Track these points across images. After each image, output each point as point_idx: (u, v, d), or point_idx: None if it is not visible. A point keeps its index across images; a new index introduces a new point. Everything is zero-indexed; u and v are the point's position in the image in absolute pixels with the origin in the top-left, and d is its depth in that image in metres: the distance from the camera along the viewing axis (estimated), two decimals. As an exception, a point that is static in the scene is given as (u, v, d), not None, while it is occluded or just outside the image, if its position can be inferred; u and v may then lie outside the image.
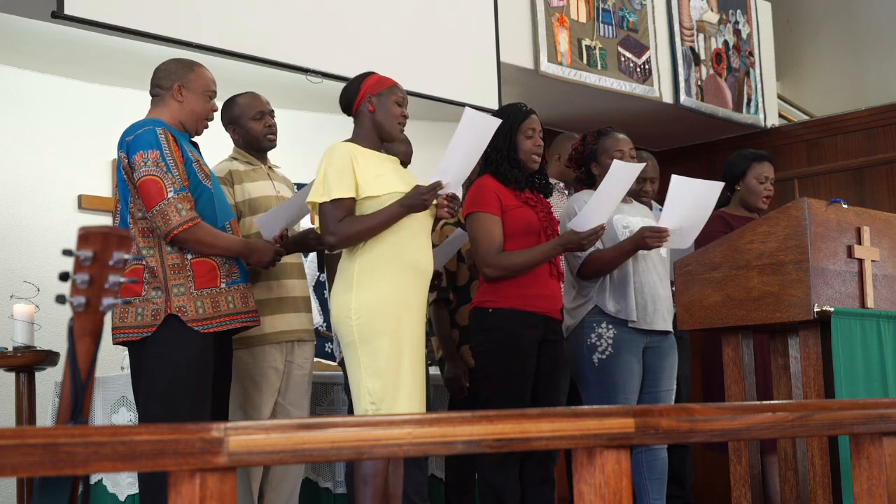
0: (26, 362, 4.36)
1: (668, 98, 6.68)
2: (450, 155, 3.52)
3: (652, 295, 3.98)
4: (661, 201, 5.38)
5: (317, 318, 5.11)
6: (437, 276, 3.96)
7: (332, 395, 4.61)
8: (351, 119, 3.68)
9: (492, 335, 3.84)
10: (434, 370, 4.45)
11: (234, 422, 1.49)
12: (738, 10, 7.31)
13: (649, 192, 4.82)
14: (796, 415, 2.07)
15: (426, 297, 3.55)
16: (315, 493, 4.51)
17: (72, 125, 5.42)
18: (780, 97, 7.87)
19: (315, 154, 4.05)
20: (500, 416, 1.69)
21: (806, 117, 7.86)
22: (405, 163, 4.19)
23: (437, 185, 3.47)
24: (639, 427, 1.81)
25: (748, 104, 7.25)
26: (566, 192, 4.78)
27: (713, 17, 7.09)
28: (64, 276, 1.70)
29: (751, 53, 7.34)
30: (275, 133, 4.07)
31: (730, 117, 7.10)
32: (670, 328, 4.03)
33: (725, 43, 7.16)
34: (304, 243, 3.88)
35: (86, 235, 1.69)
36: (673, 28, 6.78)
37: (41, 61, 5.25)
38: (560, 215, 4.12)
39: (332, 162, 3.46)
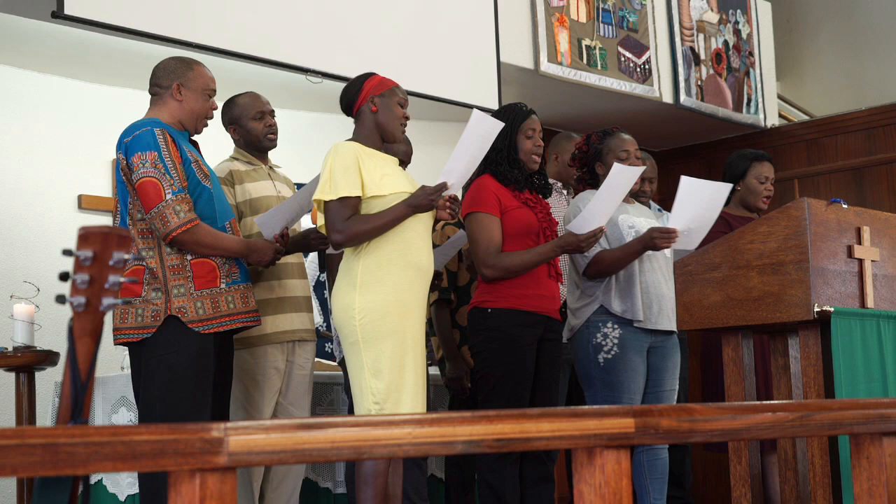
0: (26, 362, 4.36)
1: (668, 98, 6.68)
2: (456, 156, 3.52)
3: (657, 295, 3.99)
4: (659, 201, 5.40)
5: (317, 318, 5.11)
6: (437, 276, 3.96)
7: (332, 395, 4.61)
8: (350, 119, 3.68)
9: (491, 335, 3.84)
10: (433, 370, 4.45)
11: (234, 422, 1.49)
12: (738, 10, 7.31)
13: (648, 191, 4.82)
14: (796, 415, 2.07)
15: (427, 297, 3.55)
16: (315, 493, 4.51)
17: (72, 125, 5.42)
18: (780, 97, 7.87)
19: (315, 154, 4.05)
20: (500, 416, 1.69)
21: (806, 117, 7.86)
22: (405, 163, 4.19)
23: (443, 186, 3.48)
24: (639, 427, 1.81)
25: (748, 104, 7.25)
26: (564, 191, 4.78)
27: (713, 17, 7.09)
28: (64, 276, 1.70)
29: (751, 53, 7.34)
30: (275, 133, 4.07)
31: (730, 117, 7.10)
32: (675, 328, 4.04)
33: (725, 43, 7.16)
34: (304, 243, 3.88)
35: (86, 235, 1.69)
36: (673, 28, 6.78)
37: (41, 61, 5.25)
38: (564, 215, 4.12)
39: (338, 160, 3.45)
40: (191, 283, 3.41)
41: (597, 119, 6.48)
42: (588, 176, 4.17)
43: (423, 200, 3.45)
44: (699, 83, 6.89)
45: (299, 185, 4.10)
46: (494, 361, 3.83)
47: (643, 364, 3.99)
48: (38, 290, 4.65)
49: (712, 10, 7.10)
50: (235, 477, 1.49)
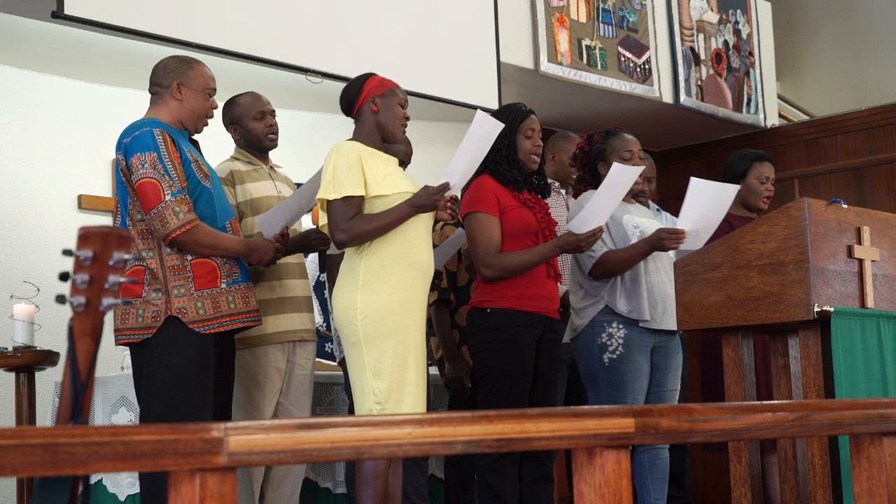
0: (26, 362, 4.35)
1: (668, 98, 6.68)
2: (459, 156, 3.53)
3: (662, 295, 4.00)
4: (658, 201, 5.40)
5: (317, 318, 5.11)
6: (437, 275, 3.96)
7: (332, 395, 4.61)
8: (350, 120, 3.68)
9: (490, 335, 3.84)
10: (433, 370, 4.45)
11: (234, 422, 1.49)
12: (738, 10, 7.30)
13: (646, 191, 4.82)
14: (796, 415, 2.07)
15: (427, 297, 3.56)
16: (315, 493, 4.51)
17: (72, 125, 5.42)
18: (780, 97, 7.87)
19: (315, 154, 4.05)
20: (500, 416, 1.69)
21: (806, 117, 7.86)
22: (405, 163, 4.20)
23: (446, 186, 3.48)
24: (639, 427, 1.81)
25: (748, 104, 7.25)
26: (562, 191, 4.78)
27: (713, 17, 7.09)
28: (64, 276, 1.70)
29: (751, 53, 7.34)
30: (276, 133, 4.07)
31: (730, 117, 7.10)
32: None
33: (725, 43, 7.16)
34: (305, 244, 3.88)
35: (86, 235, 1.68)
36: (673, 28, 6.78)
37: (41, 61, 5.25)
38: (568, 215, 4.13)
39: (340, 160, 3.45)
40: (191, 284, 3.41)
41: (597, 119, 6.48)
42: (590, 176, 4.17)
43: (426, 200, 3.45)
44: (699, 83, 6.89)
45: (300, 185, 4.10)
46: (494, 361, 3.84)
47: (647, 364, 4.00)
48: (38, 290, 4.65)
49: (712, 10, 7.10)
50: (235, 477, 1.48)
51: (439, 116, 6.13)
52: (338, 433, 1.54)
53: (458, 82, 5.64)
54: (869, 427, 2.17)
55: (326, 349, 5.27)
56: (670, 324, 4.00)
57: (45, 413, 4.73)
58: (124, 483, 3.99)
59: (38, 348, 4.40)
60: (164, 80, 3.57)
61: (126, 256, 1.72)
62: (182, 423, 1.45)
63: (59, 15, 4.18)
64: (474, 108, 3.70)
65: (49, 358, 4.38)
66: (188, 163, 3.47)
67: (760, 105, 7.34)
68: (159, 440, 1.41)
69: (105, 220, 5.32)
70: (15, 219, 5.23)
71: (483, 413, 1.68)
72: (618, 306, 3.97)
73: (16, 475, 1.34)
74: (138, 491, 3.79)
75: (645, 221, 4.12)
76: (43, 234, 5.26)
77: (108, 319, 1.93)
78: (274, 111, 4.10)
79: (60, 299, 1.71)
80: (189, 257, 3.43)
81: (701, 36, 6.98)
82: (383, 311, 3.38)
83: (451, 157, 3.57)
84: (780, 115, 7.71)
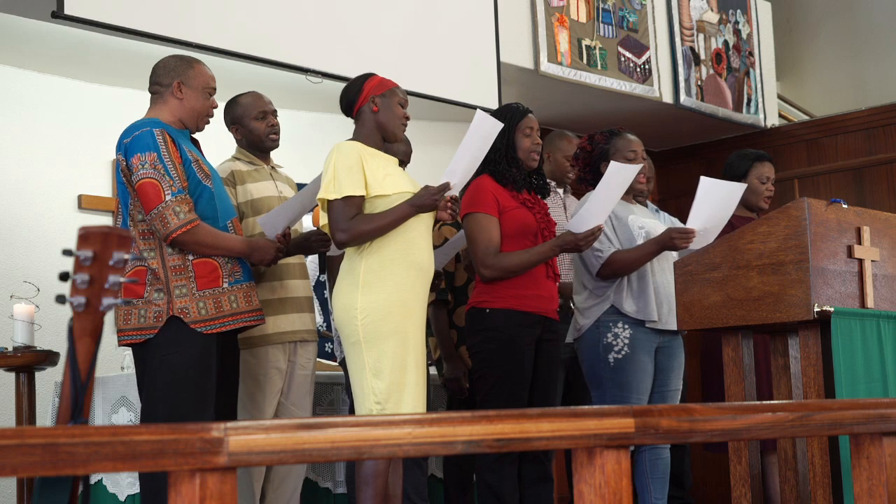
0: (26, 362, 4.35)
1: (668, 98, 6.68)
2: (459, 156, 3.53)
3: (667, 295, 4.01)
4: (657, 201, 5.40)
5: (317, 318, 5.11)
6: (437, 276, 3.96)
7: (332, 395, 4.61)
8: (350, 120, 3.68)
9: (489, 335, 3.84)
10: (432, 371, 4.45)
11: (234, 422, 1.49)
12: (738, 10, 7.30)
13: (644, 191, 4.82)
14: (796, 415, 2.07)
15: (427, 297, 3.56)
16: (315, 493, 4.51)
17: (72, 125, 5.42)
18: (780, 97, 7.87)
19: (315, 154, 4.05)
20: (500, 416, 1.69)
21: (806, 117, 7.86)
22: (405, 163, 4.20)
23: (446, 186, 3.48)
24: (639, 427, 1.81)
25: (748, 104, 7.25)
26: (559, 190, 4.77)
27: (713, 17, 7.09)
28: (64, 276, 1.69)
29: (751, 53, 7.34)
30: (277, 133, 4.07)
31: (730, 117, 7.10)
32: None
33: (725, 43, 7.16)
34: (306, 245, 3.88)
35: (86, 235, 1.68)
36: (673, 28, 6.78)
37: (41, 61, 5.25)
38: (571, 214, 4.13)
39: (341, 160, 3.45)
40: (193, 284, 3.41)
41: (597, 119, 6.48)
42: (591, 176, 4.18)
43: (426, 200, 3.45)
44: (699, 83, 6.89)
45: (300, 186, 4.10)
46: (493, 361, 3.84)
47: (651, 364, 4.01)
48: (38, 290, 4.65)
49: (712, 10, 7.10)
50: (235, 477, 1.48)
51: (439, 116, 6.13)
52: (338, 433, 1.54)
53: (457, 82, 5.64)
54: (869, 427, 2.17)
55: (327, 349, 5.27)
56: (675, 324, 4.01)
57: (45, 413, 4.73)
58: (124, 483, 3.99)
59: (38, 348, 4.40)
60: (165, 79, 3.57)
61: (126, 256, 1.72)
62: (182, 423, 1.45)
63: (59, 15, 4.18)
64: (474, 108, 3.70)
65: (49, 358, 4.38)
66: (188, 162, 3.46)
67: (760, 105, 7.34)
68: (159, 440, 1.41)
69: (105, 220, 5.32)
70: (15, 219, 5.23)
71: (483, 413, 1.68)
72: (624, 306, 3.97)
73: (16, 475, 1.34)
74: (138, 491, 3.79)
75: (650, 222, 4.13)
76: (43, 234, 5.26)
77: (109, 319, 1.93)
78: (276, 111, 4.09)
79: (60, 299, 1.71)
80: (190, 257, 3.43)
81: (701, 36, 6.98)
82: (383, 311, 3.38)
83: (451, 157, 3.57)
84: (780, 115, 7.72)
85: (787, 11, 8.18)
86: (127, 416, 4.05)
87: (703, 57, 6.96)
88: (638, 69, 6.47)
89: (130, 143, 3.41)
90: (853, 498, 2.28)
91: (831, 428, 2.21)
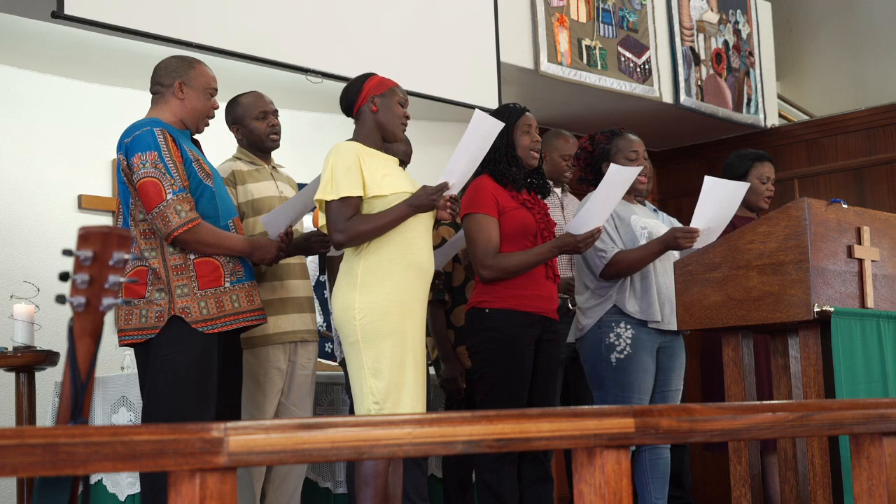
0: (26, 362, 4.35)
1: (668, 98, 6.68)
2: (457, 156, 3.52)
3: (668, 295, 4.02)
4: (656, 201, 5.39)
5: (317, 318, 5.11)
6: (437, 276, 3.96)
7: (332, 395, 4.61)
8: (350, 119, 3.68)
9: (489, 335, 3.84)
10: (431, 371, 4.45)
11: (234, 422, 1.49)
12: (738, 10, 7.30)
13: (645, 191, 4.82)
14: (796, 415, 2.07)
15: (426, 297, 3.55)
16: (315, 493, 4.51)
17: (72, 125, 5.42)
18: (780, 97, 7.87)
19: (315, 154, 4.05)
20: (500, 416, 1.69)
21: (806, 117, 7.86)
22: (405, 163, 4.20)
23: (445, 186, 3.48)
24: (639, 427, 1.81)
25: (748, 104, 7.25)
26: (557, 190, 4.77)
27: (713, 17, 7.09)
28: (64, 276, 1.69)
29: (751, 53, 7.34)
30: (278, 133, 4.07)
31: (730, 117, 7.10)
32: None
33: (725, 43, 7.15)
34: (306, 246, 3.88)
35: (86, 235, 1.68)
36: (673, 28, 6.78)
37: (41, 61, 5.25)
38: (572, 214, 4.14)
39: (339, 160, 3.45)
40: (194, 283, 3.41)
41: (597, 119, 6.48)
42: (592, 176, 4.18)
43: (424, 200, 3.45)
44: (699, 83, 6.89)
45: (301, 186, 4.10)
46: (493, 362, 3.84)
47: (653, 364, 4.02)
48: (38, 290, 4.65)
49: (712, 10, 7.10)
50: (235, 477, 1.48)
51: (439, 116, 6.13)
52: (338, 433, 1.54)
53: (457, 82, 5.64)
54: (869, 427, 2.17)
55: (327, 349, 5.28)
56: (676, 324, 4.02)
57: (45, 413, 4.73)
58: (124, 483, 3.99)
59: (38, 348, 4.40)
60: (166, 79, 3.57)
61: (126, 256, 1.72)
62: (182, 423, 1.45)
63: (59, 15, 4.18)
64: (474, 108, 3.70)
65: (49, 358, 4.38)
66: (189, 162, 3.46)
67: (760, 105, 7.34)
68: (159, 440, 1.41)
69: (105, 220, 5.32)
70: (15, 219, 5.23)
71: (483, 413, 1.68)
72: (627, 307, 3.98)
73: (16, 475, 1.34)
74: (138, 491, 3.79)
75: (652, 222, 4.13)
76: (43, 234, 5.26)
77: (109, 319, 1.93)
78: (276, 111, 4.09)
79: (60, 299, 1.71)
80: (192, 257, 3.43)
81: (701, 36, 6.98)
82: (382, 311, 3.38)
83: (451, 157, 3.57)
84: (780, 115, 7.72)
85: (787, 11, 8.18)
86: (127, 416, 4.05)
87: (703, 57, 6.96)
88: (638, 69, 6.47)
89: (131, 143, 3.41)
90: (853, 498, 2.28)
91: (831, 428, 2.21)
